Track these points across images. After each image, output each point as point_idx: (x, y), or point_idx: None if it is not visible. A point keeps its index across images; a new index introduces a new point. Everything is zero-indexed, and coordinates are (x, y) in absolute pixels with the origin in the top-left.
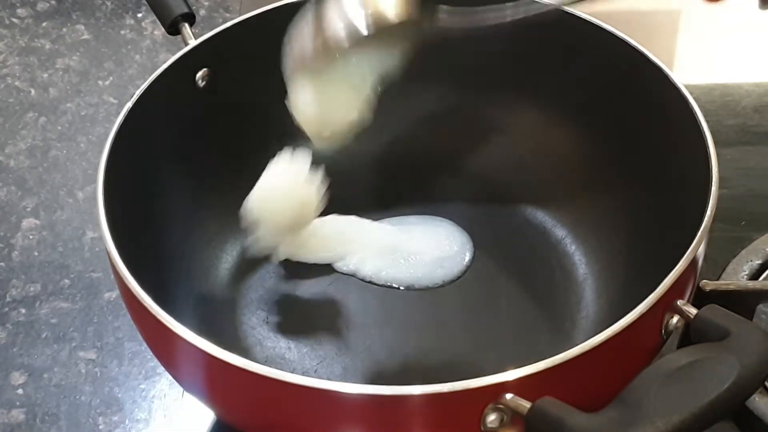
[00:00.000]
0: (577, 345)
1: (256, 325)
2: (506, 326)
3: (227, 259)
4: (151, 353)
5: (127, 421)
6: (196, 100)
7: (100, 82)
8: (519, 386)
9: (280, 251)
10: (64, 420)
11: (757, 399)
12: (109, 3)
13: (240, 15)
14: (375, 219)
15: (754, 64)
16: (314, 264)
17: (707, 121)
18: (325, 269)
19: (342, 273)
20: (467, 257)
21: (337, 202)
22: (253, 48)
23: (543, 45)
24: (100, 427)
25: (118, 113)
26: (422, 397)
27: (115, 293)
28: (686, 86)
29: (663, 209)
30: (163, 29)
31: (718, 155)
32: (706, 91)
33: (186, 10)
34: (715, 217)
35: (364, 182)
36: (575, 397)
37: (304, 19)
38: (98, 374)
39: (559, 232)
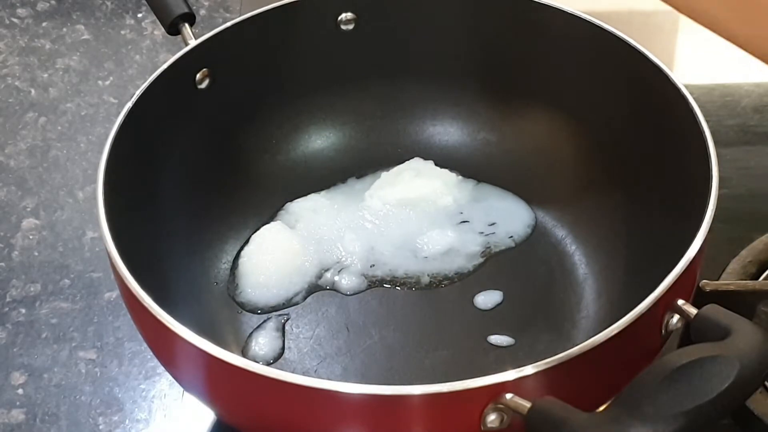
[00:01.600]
0: (577, 345)
1: (256, 325)
2: (506, 326)
3: (227, 259)
4: (151, 353)
5: (127, 421)
6: (196, 100)
7: (100, 82)
8: (519, 386)
9: None
10: (64, 420)
11: (757, 399)
12: (109, 3)
13: (240, 15)
14: None
15: (754, 64)
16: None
17: (707, 121)
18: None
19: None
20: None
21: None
22: (253, 48)
23: (542, 45)
24: (100, 427)
25: (118, 113)
26: (422, 397)
27: (115, 293)
28: (686, 86)
29: (663, 209)
30: (163, 29)
31: (718, 155)
32: (706, 91)
33: (186, 10)
34: (715, 217)
35: None
36: (575, 397)
37: None
38: (98, 374)
39: (559, 232)
